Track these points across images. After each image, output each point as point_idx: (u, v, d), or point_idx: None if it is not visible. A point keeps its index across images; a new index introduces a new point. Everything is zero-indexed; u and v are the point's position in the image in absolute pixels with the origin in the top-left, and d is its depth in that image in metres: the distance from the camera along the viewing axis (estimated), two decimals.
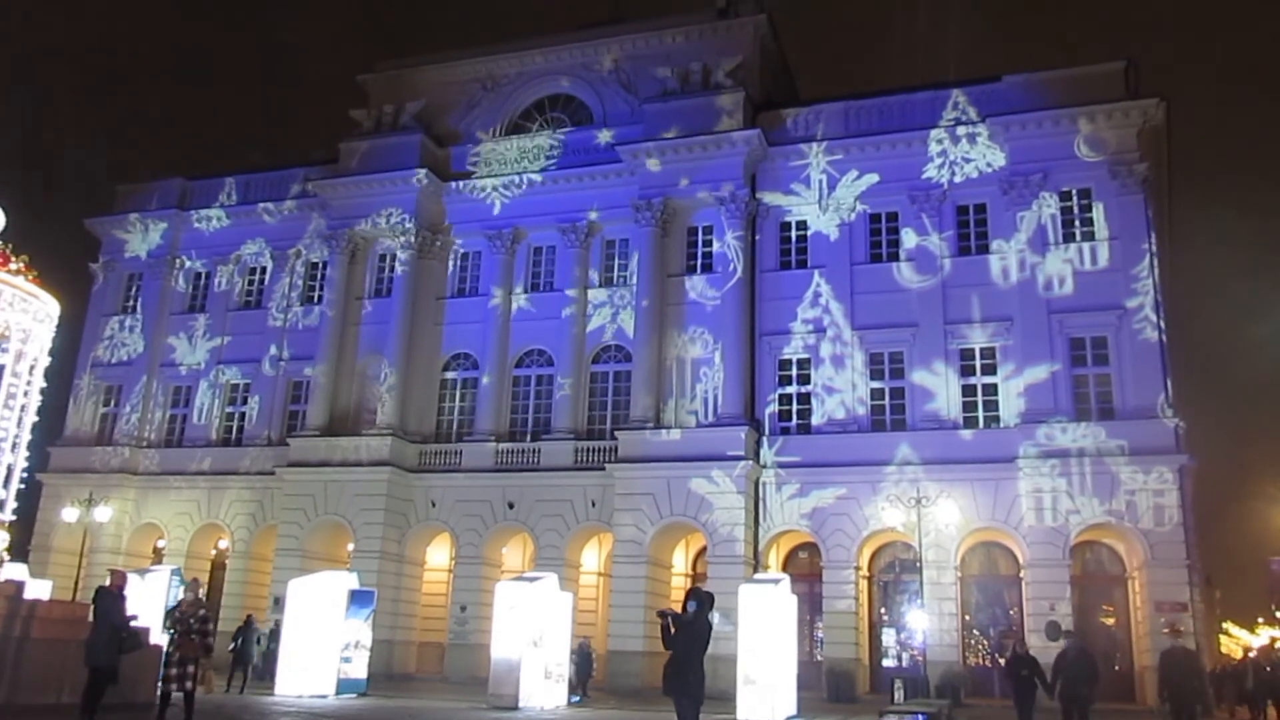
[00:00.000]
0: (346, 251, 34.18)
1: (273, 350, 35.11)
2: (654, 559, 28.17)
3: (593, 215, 32.27)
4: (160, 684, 11.96)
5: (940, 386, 27.62)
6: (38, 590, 14.52)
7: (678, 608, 10.99)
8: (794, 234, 30.53)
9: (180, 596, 13.71)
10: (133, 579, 14.28)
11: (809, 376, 29.07)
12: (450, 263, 34.46)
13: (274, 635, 23.43)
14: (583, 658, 23.90)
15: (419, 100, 35.19)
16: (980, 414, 27.40)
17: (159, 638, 14.14)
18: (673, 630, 10.38)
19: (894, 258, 29.26)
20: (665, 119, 31.13)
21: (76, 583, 30.73)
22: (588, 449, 30.17)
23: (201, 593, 13.42)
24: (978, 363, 27.82)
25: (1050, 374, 26.47)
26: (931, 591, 25.63)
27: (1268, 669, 23.26)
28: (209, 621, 12.56)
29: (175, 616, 12.31)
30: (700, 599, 10.48)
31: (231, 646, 23.16)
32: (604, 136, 32.76)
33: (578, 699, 22.45)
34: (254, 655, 23.33)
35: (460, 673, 28.70)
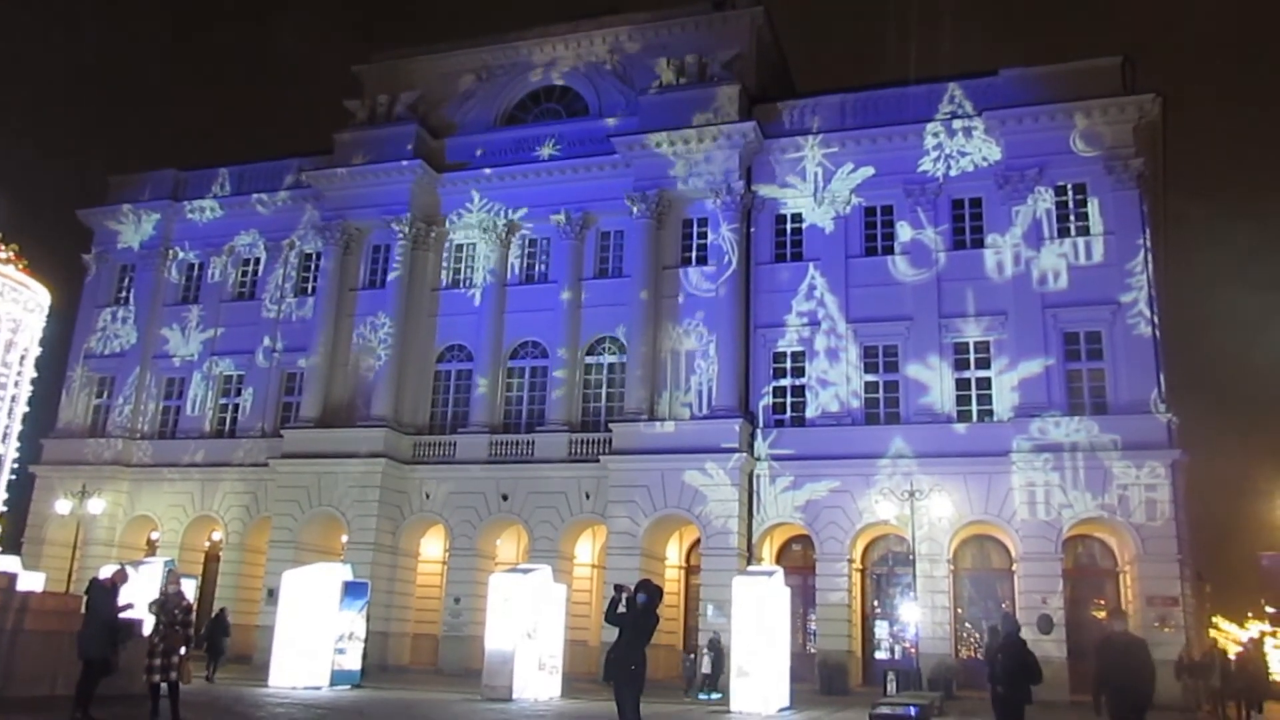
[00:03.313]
0: (340, 242, 34.09)
1: (266, 342, 35.02)
2: (648, 551, 28.19)
3: (588, 207, 32.22)
4: (145, 675, 11.94)
5: (934, 380, 27.68)
6: (31, 582, 14.48)
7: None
8: (789, 227, 30.51)
9: (162, 587, 13.67)
10: (129, 572, 14.21)
11: (803, 369, 29.10)
12: (444, 254, 34.38)
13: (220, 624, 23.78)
14: (718, 654, 22.95)
15: (413, 91, 35.05)
16: (974, 408, 27.46)
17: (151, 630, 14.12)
18: (620, 609, 10.43)
19: (889, 251, 29.28)
20: (661, 111, 31.07)
21: (70, 575, 30.70)
22: (582, 441, 30.17)
23: (184, 583, 13.36)
24: (972, 356, 27.87)
25: (1044, 368, 26.54)
26: (924, 584, 25.73)
27: (1246, 667, 22.56)
28: (191, 612, 12.54)
29: (158, 608, 12.28)
30: (650, 591, 10.53)
31: (203, 636, 23.21)
32: (599, 128, 32.66)
33: (719, 696, 21.55)
34: (226, 647, 23.42)
35: (454, 664, 28.75)
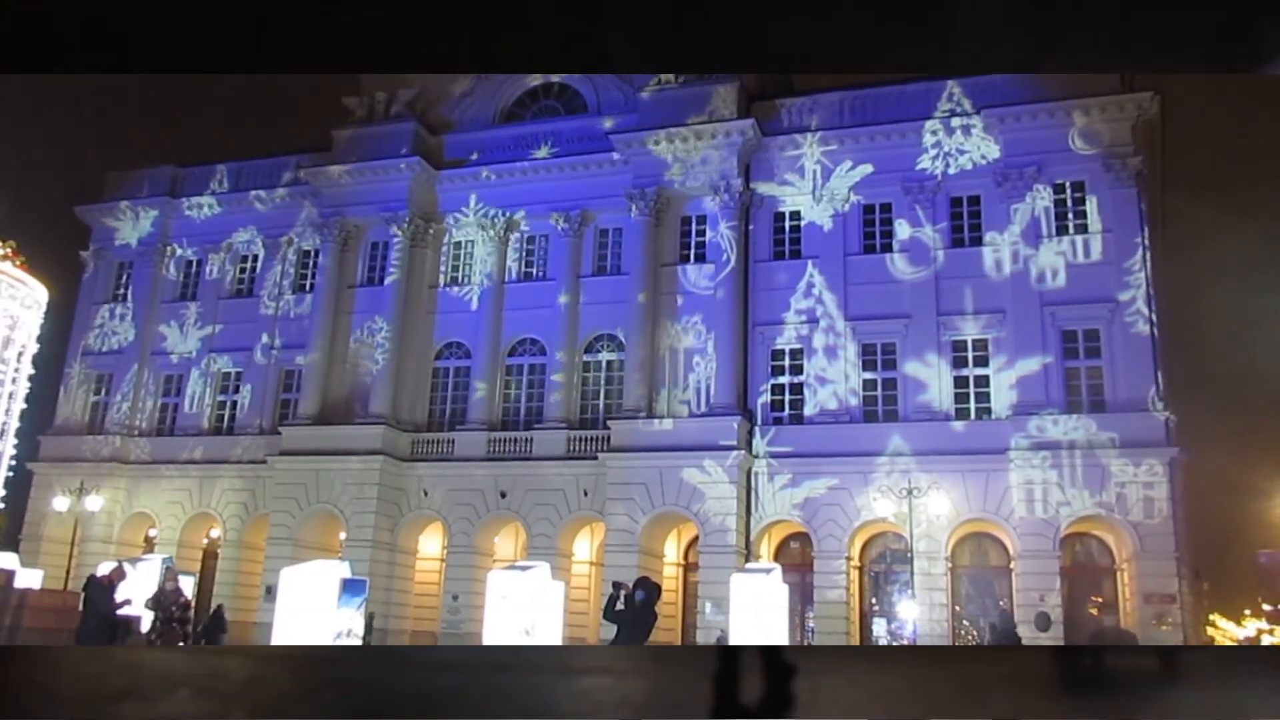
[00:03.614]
0: (339, 240, 34.06)
1: (264, 339, 34.99)
2: (646, 549, 28.21)
3: (586, 205, 32.20)
4: None
5: (932, 378, 27.69)
6: (29, 579, 14.54)
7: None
8: (788, 224, 30.51)
9: (160, 584, 13.70)
10: (127, 568, 14.22)
11: (801, 367, 29.11)
12: (443, 252, 34.36)
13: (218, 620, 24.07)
14: None
15: (412, 88, 34.98)
16: (972, 405, 27.47)
17: (149, 627, 14.12)
18: (619, 606, 10.43)
19: (887, 249, 29.28)
20: (660, 108, 31.04)
21: (68, 572, 30.67)
22: (580, 438, 30.17)
23: (182, 580, 13.38)
24: (970, 354, 27.88)
25: (1042, 366, 26.55)
26: (922, 582, 25.76)
27: None
28: (189, 609, 12.58)
29: (155, 604, 12.30)
30: (649, 589, 10.55)
31: (200, 633, 23.28)
32: (598, 125, 32.64)
33: None
34: (223, 643, 23.47)
35: None
